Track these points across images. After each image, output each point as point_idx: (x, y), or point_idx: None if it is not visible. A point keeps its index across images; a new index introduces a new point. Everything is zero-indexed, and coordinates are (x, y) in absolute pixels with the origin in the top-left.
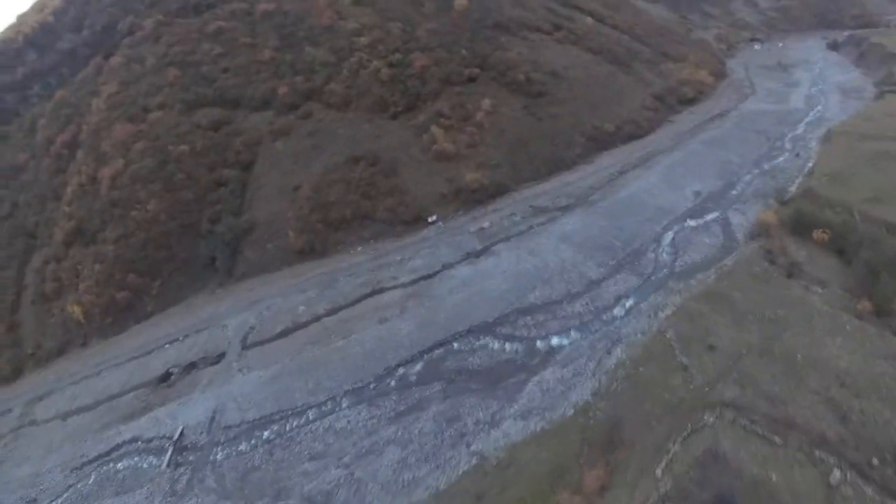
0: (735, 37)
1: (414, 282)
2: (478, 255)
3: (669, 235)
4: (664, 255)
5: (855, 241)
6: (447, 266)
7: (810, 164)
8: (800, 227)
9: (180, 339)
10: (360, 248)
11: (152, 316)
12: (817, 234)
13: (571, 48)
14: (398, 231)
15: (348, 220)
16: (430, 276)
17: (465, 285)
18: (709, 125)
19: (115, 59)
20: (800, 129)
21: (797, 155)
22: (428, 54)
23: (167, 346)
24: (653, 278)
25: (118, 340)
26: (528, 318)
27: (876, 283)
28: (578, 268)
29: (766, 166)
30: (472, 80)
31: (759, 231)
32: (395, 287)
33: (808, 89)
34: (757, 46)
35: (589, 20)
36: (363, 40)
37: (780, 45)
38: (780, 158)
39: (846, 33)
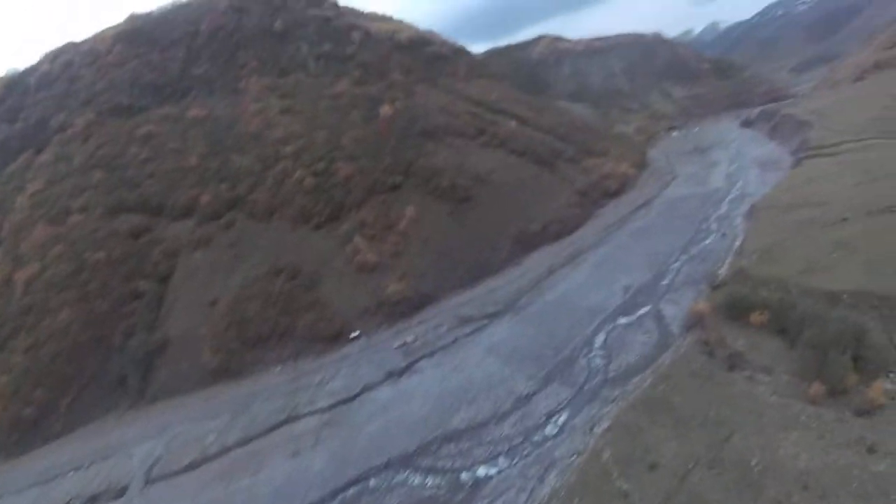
0: (654, 127)
1: (332, 407)
2: (400, 373)
3: (601, 337)
4: (597, 359)
5: (796, 319)
6: (368, 388)
7: (738, 243)
8: (736, 311)
9: (85, 466)
10: (278, 368)
11: (61, 436)
12: (755, 316)
13: (496, 151)
14: (319, 348)
15: (266, 338)
16: (349, 400)
17: (385, 410)
18: (634, 216)
19: (44, 156)
20: (723, 209)
21: (724, 235)
22: (352, 163)
23: (71, 472)
24: (586, 388)
25: (24, 461)
26: (452, 445)
27: (825, 362)
28: (506, 383)
29: (693, 251)
30: (396, 187)
31: (694, 322)
32: (311, 413)
33: (728, 168)
34: (675, 133)
35: (513, 123)
36: (289, 149)
37: (697, 129)
38: (708, 241)
39: (757, 109)
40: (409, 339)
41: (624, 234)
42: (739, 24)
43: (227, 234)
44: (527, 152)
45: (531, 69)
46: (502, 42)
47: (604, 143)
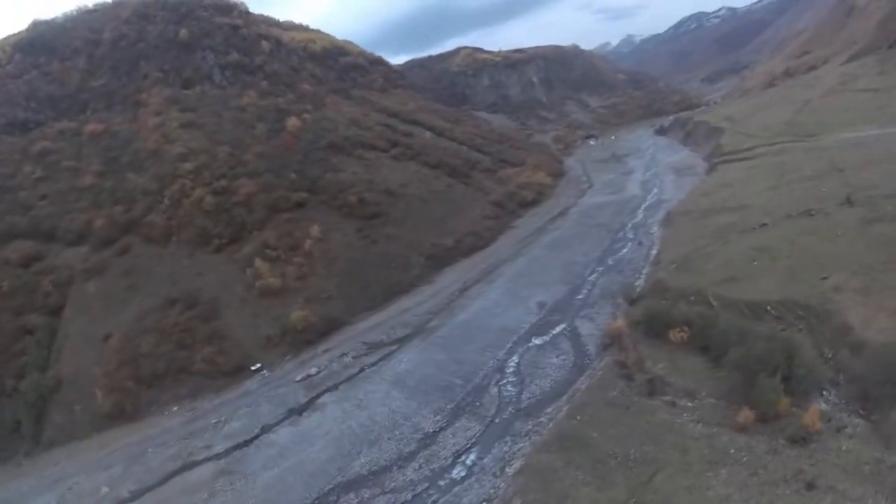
0: (571, 136)
1: (228, 451)
2: (301, 410)
3: (514, 361)
4: (509, 387)
5: (719, 335)
6: (266, 429)
7: (655, 252)
8: (654, 327)
9: None
10: (175, 409)
11: None
12: (675, 333)
13: (408, 164)
14: (218, 385)
15: (162, 376)
16: (247, 443)
17: (283, 455)
18: (550, 226)
19: None
20: (639, 216)
21: (640, 244)
22: (255, 180)
23: None
24: (497, 421)
25: None
26: (352, 494)
27: (753, 384)
28: (411, 419)
29: (610, 261)
30: (301, 205)
31: (611, 341)
32: (207, 460)
33: (643, 175)
34: (592, 142)
35: (427, 135)
36: (188, 166)
37: (613, 137)
38: (624, 250)
39: (671, 118)
40: (313, 371)
41: (539, 246)
42: (654, 38)
43: (122, 261)
44: (441, 164)
45: (450, 80)
46: (423, 53)
47: (521, 153)
